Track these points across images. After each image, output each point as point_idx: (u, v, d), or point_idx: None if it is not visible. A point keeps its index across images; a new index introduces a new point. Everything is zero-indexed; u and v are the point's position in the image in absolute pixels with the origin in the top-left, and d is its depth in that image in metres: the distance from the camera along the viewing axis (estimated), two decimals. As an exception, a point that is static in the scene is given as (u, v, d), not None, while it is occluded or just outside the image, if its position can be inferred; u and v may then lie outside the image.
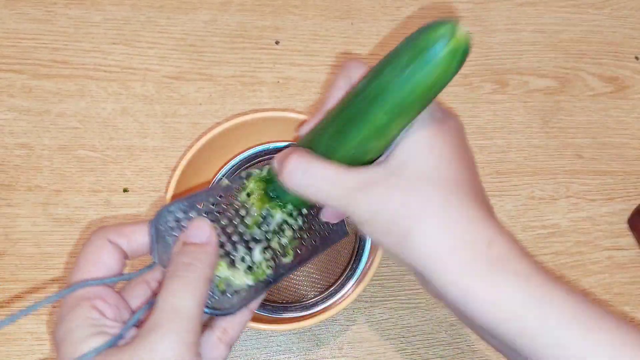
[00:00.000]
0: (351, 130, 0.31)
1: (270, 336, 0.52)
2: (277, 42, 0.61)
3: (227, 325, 0.34)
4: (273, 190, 0.37)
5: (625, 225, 0.59)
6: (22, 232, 0.53)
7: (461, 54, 0.28)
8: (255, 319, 0.45)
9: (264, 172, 0.37)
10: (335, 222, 0.40)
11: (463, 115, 0.60)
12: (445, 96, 0.61)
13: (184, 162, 0.47)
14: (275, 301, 0.49)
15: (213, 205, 0.36)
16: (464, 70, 0.62)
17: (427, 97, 0.29)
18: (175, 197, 0.47)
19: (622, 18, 0.66)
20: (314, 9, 0.63)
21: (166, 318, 0.29)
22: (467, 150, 0.33)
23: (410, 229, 0.30)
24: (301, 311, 0.48)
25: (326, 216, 0.38)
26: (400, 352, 0.52)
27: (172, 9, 0.61)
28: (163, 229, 0.34)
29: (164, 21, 0.61)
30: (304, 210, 0.38)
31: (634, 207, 0.58)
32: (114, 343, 0.30)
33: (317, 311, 0.47)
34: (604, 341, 0.28)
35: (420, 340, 0.53)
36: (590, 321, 0.28)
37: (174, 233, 0.34)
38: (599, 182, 0.60)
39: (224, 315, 0.34)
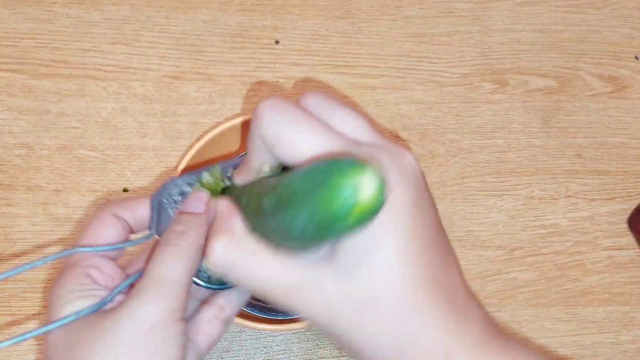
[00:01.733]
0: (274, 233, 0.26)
1: (270, 336, 0.52)
2: (277, 42, 0.61)
3: (225, 303, 0.34)
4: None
5: (625, 225, 0.59)
6: (22, 232, 0.53)
7: (366, 219, 0.20)
8: (255, 319, 0.45)
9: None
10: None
11: (463, 115, 0.60)
12: (445, 96, 0.61)
13: (184, 162, 0.47)
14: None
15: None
16: (463, 70, 0.62)
17: (314, 245, 0.24)
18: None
19: (622, 18, 0.66)
20: (313, 9, 0.63)
21: (151, 284, 0.29)
22: (425, 217, 0.27)
23: (359, 352, 0.27)
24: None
25: None
26: (400, 351, 0.52)
27: (171, 8, 0.61)
28: (167, 201, 0.34)
29: (164, 21, 0.61)
30: None
31: (634, 206, 0.58)
32: (99, 308, 0.30)
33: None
34: None
35: (420, 340, 0.53)
36: None
37: (177, 207, 0.34)
38: (599, 182, 0.60)
39: (220, 289, 0.33)
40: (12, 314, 0.50)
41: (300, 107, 0.28)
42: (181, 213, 0.33)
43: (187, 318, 0.33)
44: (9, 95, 0.57)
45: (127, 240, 0.34)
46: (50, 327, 0.29)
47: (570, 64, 0.64)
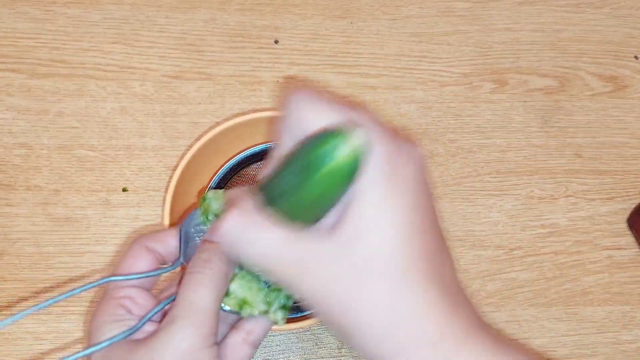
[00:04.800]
0: (285, 200, 0.29)
1: (270, 336, 0.52)
2: (276, 42, 0.61)
3: (252, 327, 0.35)
4: None
5: (625, 225, 0.59)
6: (22, 232, 0.52)
7: (343, 175, 0.25)
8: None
9: None
10: None
11: (462, 115, 0.60)
12: (445, 95, 0.61)
13: (184, 162, 0.47)
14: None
15: None
16: (463, 69, 0.62)
17: (316, 210, 0.27)
18: (176, 197, 0.47)
19: (621, 17, 0.66)
20: (313, 8, 0.63)
21: (182, 311, 0.31)
22: (425, 206, 0.28)
23: (354, 328, 0.28)
24: (301, 311, 0.48)
25: None
26: (399, 351, 0.52)
27: (171, 8, 0.61)
28: (193, 230, 0.35)
29: (163, 20, 0.61)
30: None
31: (634, 206, 0.58)
32: (131, 334, 0.31)
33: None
34: None
35: (419, 340, 0.53)
36: None
37: (202, 235, 0.35)
38: (599, 182, 0.60)
39: (246, 315, 0.35)
40: (12, 315, 0.50)
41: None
42: (205, 241, 0.34)
43: (219, 343, 0.34)
44: (8, 95, 0.56)
45: (157, 269, 0.35)
46: (87, 352, 0.31)
47: (569, 64, 0.64)
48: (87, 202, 0.54)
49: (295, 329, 0.44)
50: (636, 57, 0.65)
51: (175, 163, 0.56)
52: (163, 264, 0.36)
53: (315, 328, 0.52)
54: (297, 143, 0.28)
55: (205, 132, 0.48)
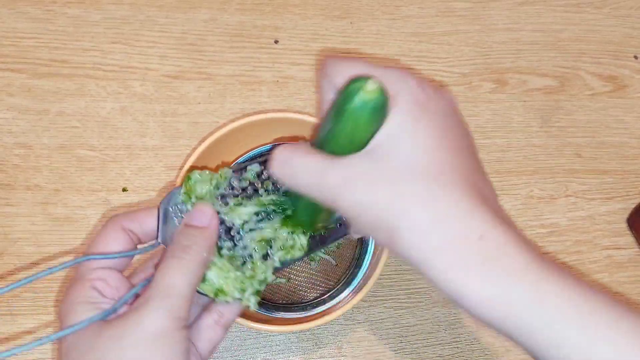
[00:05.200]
0: (329, 141, 0.31)
1: (270, 336, 0.52)
2: (276, 41, 0.61)
3: (224, 309, 0.36)
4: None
5: (625, 225, 0.59)
6: (21, 232, 0.53)
7: (370, 108, 0.28)
8: (255, 318, 0.45)
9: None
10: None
11: (462, 115, 0.60)
12: (445, 95, 0.61)
13: (190, 161, 0.47)
14: (275, 301, 0.49)
15: (225, 189, 0.37)
16: (463, 69, 0.62)
17: (353, 144, 0.29)
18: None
19: (621, 17, 0.66)
20: (313, 8, 0.63)
21: (157, 294, 0.31)
22: (457, 133, 0.30)
23: (398, 226, 0.28)
24: (301, 312, 0.48)
25: None
26: (399, 351, 0.52)
27: (171, 7, 0.61)
28: (172, 210, 0.35)
29: (163, 20, 0.61)
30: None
31: (633, 206, 0.58)
32: (105, 317, 0.32)
33: (317, 313, 0.47)
34: (605, 336, 0.27)
35: (419, 340, 0.53)
36: (589, 315, 0.27)
37: (182, 215, 0.35)
38: (598, 181, 0.60)
39: (220, 302, 0.35)
40: (11, 314, 0.50)
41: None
42: (186, 225, 0.34)
43: (190, 324, 0.35)
44: (8, 94, 0.56)
45: (133, 249, 0.35)
46: (60, 334, 0.31)
47: (569, 64, 0.64)
48: (87, 202, 0.54)
49: (295, 329, 0.44)
50: (636, 57, 0.65)
51: (175, 163, 0.56)
52: (138, 244, 0.36)
53: (314, 327, 0.52)
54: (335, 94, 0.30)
55: (211, 133, 0.48)
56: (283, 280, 0.49)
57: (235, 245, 0.36)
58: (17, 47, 0.58)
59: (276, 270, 0.37)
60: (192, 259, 0.33)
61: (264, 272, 0.36)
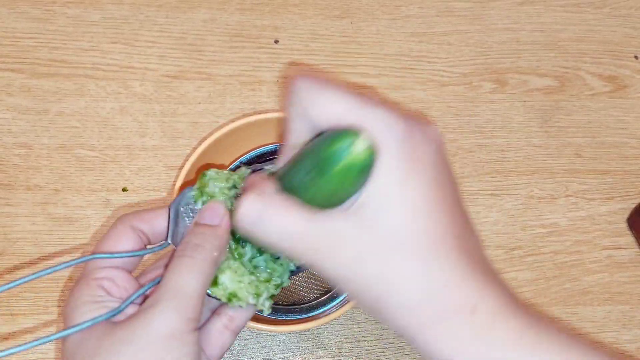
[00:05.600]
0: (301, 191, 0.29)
1: (270, 336, 0.52)
2: (276, 41, 0.61)
3: (234, 314, 0.35)
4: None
5: (625, 225, 0.59)
6: (21, 232, 0.52)
7: (357, 170, 0.26)
8: (255, 318, 0.45)
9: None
10: None
11: (462, 115, 0.60)
12: (445, 95, 0.61)
13: (190, 161, 0.47)
14: (275, 302, 0.49)
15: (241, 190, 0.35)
16: (463, 69, 0.62)
17: (334, 200, 0.27)
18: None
19: (621, 17, 0.66)
20: (313, 8, 0.63)
21: (166, 295, 0.30)
22: (447, 185, 0.28)
23: (386, 301, 0.27)
24: (301, 313, 0.48)
25: None
26: (399, 351, 0.52)
27: (171, 7, 0.61)
28: (184, 210, 0.34)
29: (163, 20, 0.61)
30: None
31: (634, 206, 0.58)
32: (111, 317, 0.31)
33: (317, 314, 0.47)
34: None
35: (419, 340, 0.53)
36: None
37: (193, 216, 0.34)
38: (599, 182, 0.60)
39: (234, 306, 0.34)
40: (11, 314, 0.50)
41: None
42: (197, 224, 0.33)
43: (199, 328, 0.33)
44: (8, 94, 0.56)
45: (143, 249, 0.34)
46: (62, 333, 0.30)
47: (569, 64, 0.64)
48: (87, 202, 0.54)
49: (295, 329, 0.44)
50: (636, 57, 0.65)
51: (175, 163, 0.56)
52: (148, 245, 0.35)
53: (315, 327, 0.52)
54: (311, 137, 0.28)
55: (211, 133, 0.48)
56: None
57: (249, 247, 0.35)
58: (17, 47, 0.58)
59: (292, 274, 0.36)
60: (203, 259, 0.32)
61: (281, 275, 0.35)
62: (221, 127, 0.48)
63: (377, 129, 0.26)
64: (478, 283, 0.27)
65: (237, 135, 0.49)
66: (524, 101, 0.62)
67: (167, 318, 0.30)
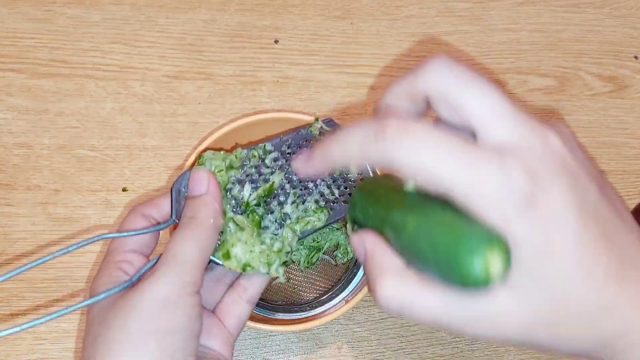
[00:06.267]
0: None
1: (270, 335, 0.52)
2: (276, 42, 0.61)
3: (246, 284, 0.38)
4: None
5: (625, 225, 0.59)
6: (21, 232, 0.52)
7: (496, 282, 0.24)
8: (255, 318, 0.45)
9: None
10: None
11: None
12: (445, 95, 0.61)
13: (192, 159, 0.47)
14: (275, 302, 0.49)
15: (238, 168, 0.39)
16: (463, 69, 0.62)
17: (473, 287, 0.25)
18: None
19: (621, 17, 0.66)
20: (313, 9, 0.63)
21: (165, 262, 0.33)
22: (589, 200, 0.25)
23: (567, 350, 0.26)
24: (301, 313, 0.48)
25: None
26: (399, 351, 0.52)
27: (171, 8, 0.61)
28: (184, 190, 0.37)
29: (163, 20, 0.61)
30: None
31: (634, 206, 0.58)
32: (125, 287, 0.34)
33: (317, 314, 0.47)
34: None
35: (419, 340, 0.53)
36: None
37: None
38: (599, 182, 0.60)
39: (249, 274, 0.37)
40: (11, 314, 0.50)
41: (426, 82, 0.26)
42: (189, 198, 0.36)
43: (215, 303, 0.38)
44: (8, 95, 0.56)
45: (152, 228, 0.37)
46: (86, 302, 0.33)
47: (569, 64, 0.64)
48: (87, 202, 0.54)
49: (295, 329, 0.44)
50: (636, 57, 0.65)
51: (175, 163, 0.56)
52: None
53: (314, 328, 0.52)
54: (418, 230, 0.26)
55: (211, 132, 0.48)
56: (283, 280, 0.49)
57: (262, 213, 0.38)
58: (17, 47, 0.58)
59: (300, 239, 0.39)
60: (197, 227, 0.34)
61: (290, 242, 0.38)
62: (221, 127, 0.48)
63: (490, 192, 0.23)
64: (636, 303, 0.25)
65: (237, 135, 0.49)
66: (524, 101, 0.62)
67: (165, 282, 0.32)
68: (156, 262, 0.34)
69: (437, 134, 0.24)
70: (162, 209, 0.37)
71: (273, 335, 0.52)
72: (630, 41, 0.65)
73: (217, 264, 0.36)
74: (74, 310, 0.33)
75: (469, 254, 0.23)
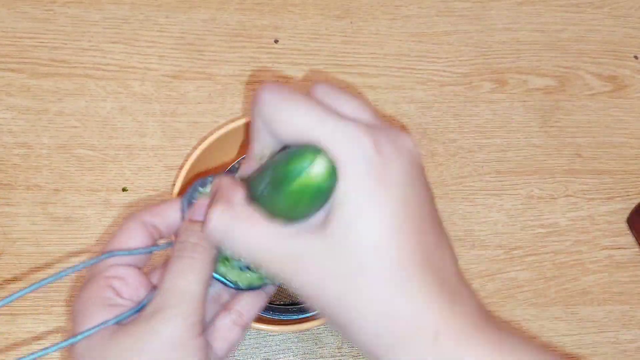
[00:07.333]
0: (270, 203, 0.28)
1: (270, 335, 0.52)
2: (276, 41, 0.61)
3: (243, 309, 0.34)
4: None
5: (625, 225, 0.59)
6: (21, 232, 0.52)
7: (313, 191, 0.25)
8: (255, 318, 0.45)
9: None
10: None
11: (462, 115, 0.60)
12: (445, 95, 0.61)
13: (190, 161, 0.47)
14: (275, 302, 0.49)
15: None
16: (463, 69, 0.62)
17: (295, 215, 0.27)
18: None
19: (621, 17, 0.66)
20: (313, 8, 0.63)
21: (171, 300, 0.30)
22: (417, 202, 0.27)
23: (349, 323, 0.27)
24: (301, 313, 0.48)
25: None
26: (399, 351, 0.52)
27: (171, 7, 0.61)
28: (196, 202, 0.33)
29: (163, 20, 0.61)
30: None
31: (633, 206, 0.58)
32: (119, 322, 0.30)
33: (317, 314, 0.47)
34: None
35: (419, 340, 0.53)
36: None
37: None
38: (598, 181, 0.60)
39: (235, 288, 0.33)
40: (11, 314, 0.50)
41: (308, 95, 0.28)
42: (191, 222, 0.32)
43: (207, 323, 0.33)
44: (7, 94, 0.56)
45: (152, 246, 0.33)
46: (72, 340, 0.30)
47: (569, 64, 0.64)
48: (87, 202, 0.54)
49: (295, 329, 0.44)
50: (636, 57, 0.65)
51: (174, 163, 0.56)
52: (159, 240, 0.34)
53: (315, 328, 0.52)
54: (278, 149, 0.28)
55: (211, 132, 0.48)
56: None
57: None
58: (17, 47, 0.58)
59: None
60: (202, 258, 0.31)
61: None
62: (221, 127, 0.48)
63: (342, 145, 0.26)
64: (443, 305, 0.26)
65: (237, 135, 0.49)
66: (524, 101, 0.62)
67: (174, 325, 0.29)
68: (155, 294, 0.31)
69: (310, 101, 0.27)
70: (167, 218, 0.33)
71: (273, 335, 0.52)
72: (629, 41, 0.65)
73: (225, 284, 0.33)
74: (58, 349, 0.30)
75: (300, 154, 0.25)
